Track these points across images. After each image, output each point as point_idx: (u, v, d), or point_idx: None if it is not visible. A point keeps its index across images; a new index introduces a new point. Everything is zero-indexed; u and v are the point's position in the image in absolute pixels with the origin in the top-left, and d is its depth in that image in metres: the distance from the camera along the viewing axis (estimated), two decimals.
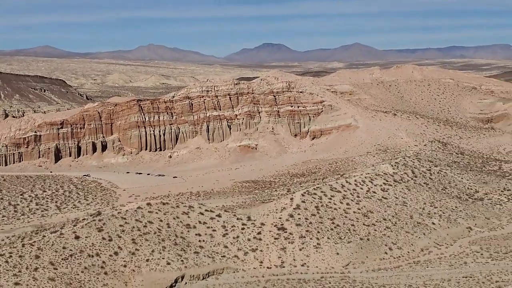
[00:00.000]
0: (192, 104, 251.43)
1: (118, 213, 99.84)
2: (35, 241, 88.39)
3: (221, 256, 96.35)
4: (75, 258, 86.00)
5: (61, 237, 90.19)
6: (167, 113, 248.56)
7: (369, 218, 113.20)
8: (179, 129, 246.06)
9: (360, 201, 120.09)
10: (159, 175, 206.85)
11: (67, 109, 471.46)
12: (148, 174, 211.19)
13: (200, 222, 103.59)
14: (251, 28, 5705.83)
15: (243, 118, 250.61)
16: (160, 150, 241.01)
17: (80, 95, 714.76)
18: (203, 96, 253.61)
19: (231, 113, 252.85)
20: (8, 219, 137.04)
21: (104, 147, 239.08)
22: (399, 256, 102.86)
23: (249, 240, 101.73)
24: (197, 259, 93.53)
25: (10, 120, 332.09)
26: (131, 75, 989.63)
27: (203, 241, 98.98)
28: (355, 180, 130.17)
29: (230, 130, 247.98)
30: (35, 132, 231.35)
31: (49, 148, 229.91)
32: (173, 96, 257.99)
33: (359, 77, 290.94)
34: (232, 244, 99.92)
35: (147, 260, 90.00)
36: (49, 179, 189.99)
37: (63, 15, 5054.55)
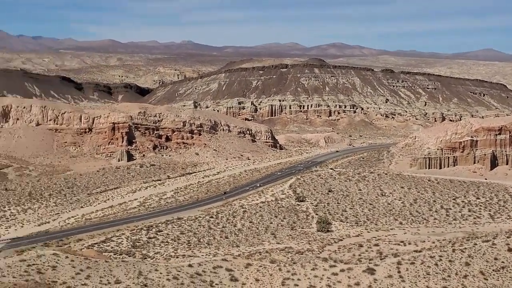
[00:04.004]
0: None
1: None
2: (465, 248, 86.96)
3: None
4: (507, 271, 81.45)
5: (493, 247, 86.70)
6: None
7: None
8: None
9: None
10: None
11: (506, 114, 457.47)
12: None
13: None
14: None
15: None
16: None
17: None
18: None
19: None
20: (440, 222, 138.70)
21: None
22: None
23: None
24: None
25: (447, 123, 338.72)
26: None
27: None
28: None
29: None
30: (471, 137, 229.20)
31: (485, 154, 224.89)
32: None
33: None
34: None
35: None
36: (483, 186, 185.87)
37: (507, 18, 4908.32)
